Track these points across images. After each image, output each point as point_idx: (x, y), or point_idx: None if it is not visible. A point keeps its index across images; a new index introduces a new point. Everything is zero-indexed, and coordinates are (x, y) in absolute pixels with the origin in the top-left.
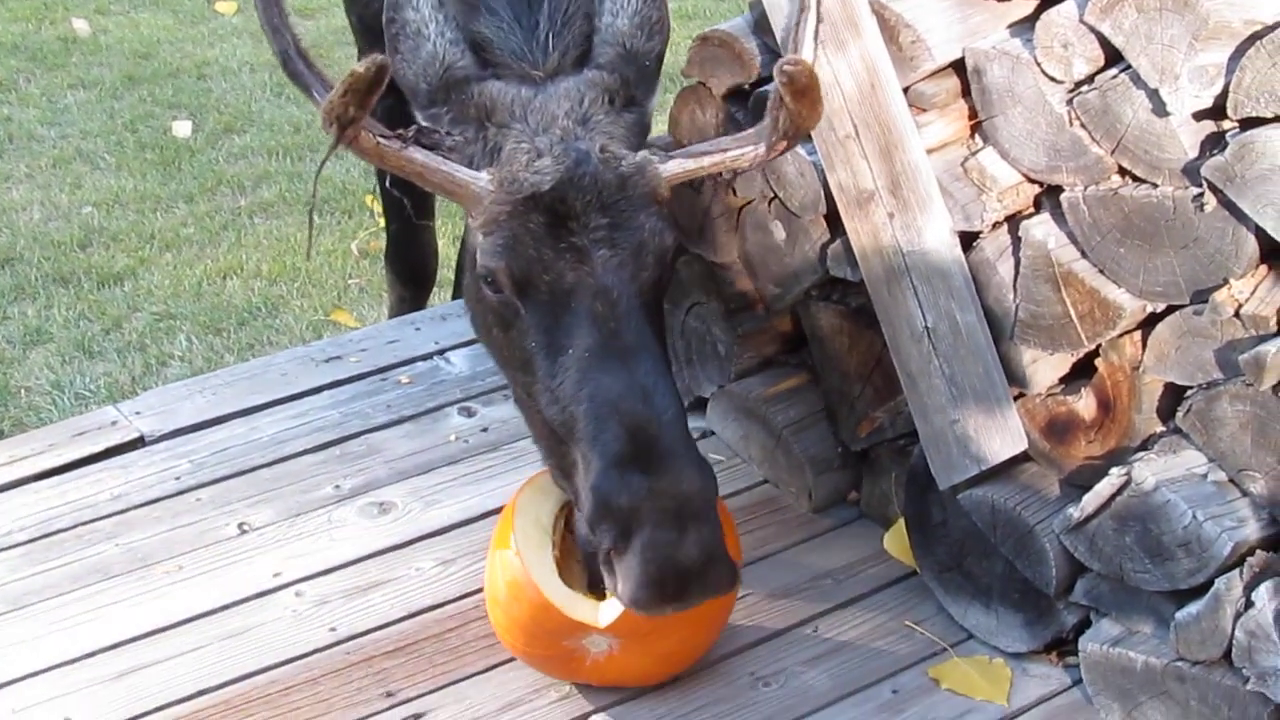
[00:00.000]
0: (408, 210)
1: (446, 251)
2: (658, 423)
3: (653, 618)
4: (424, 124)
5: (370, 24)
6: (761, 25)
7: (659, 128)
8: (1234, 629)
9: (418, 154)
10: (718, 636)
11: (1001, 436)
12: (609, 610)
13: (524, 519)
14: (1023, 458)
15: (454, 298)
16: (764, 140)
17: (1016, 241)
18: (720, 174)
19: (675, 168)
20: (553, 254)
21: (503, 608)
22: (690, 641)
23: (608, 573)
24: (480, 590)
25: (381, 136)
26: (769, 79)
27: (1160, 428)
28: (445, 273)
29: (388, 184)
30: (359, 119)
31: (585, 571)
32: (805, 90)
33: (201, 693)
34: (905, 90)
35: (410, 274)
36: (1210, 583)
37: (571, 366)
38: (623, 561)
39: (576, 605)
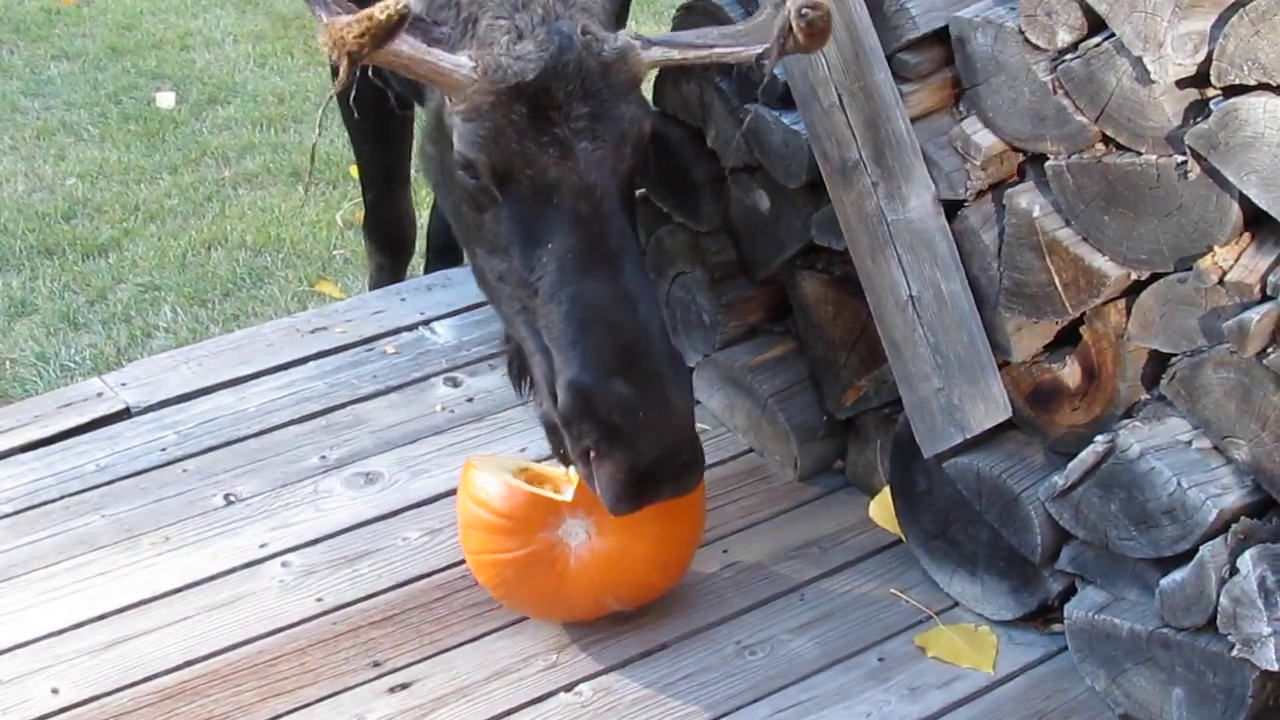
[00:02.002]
0: (390, 105)
1: (425, 221)
2: (645, 332)
3: None
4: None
5: None
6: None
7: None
8: (1219, 595)
9: (404, 45)
10: (699, 522)
11: (986, 405)
12: (571, 489)
13: (482, 464)
14: (1008, 425)
15: (427, 271)
16: (756, 45)
17: (1001, 210)
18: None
19: (658, 54)
20: (535, 147)
21: (475, 525)
22: (669, 518)
23: (581, 465)
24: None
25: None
26: None
27: (1145, 395)
28: (423, 242)
29: (370, 74)
30: (369, 58)
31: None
32: (821, 32)
33: (189, 663)
34: (889, 59)
35: (388, 241)
36: (1195, 550)
37: (552, 264)
38: (606, 468)
39: (542, 490)
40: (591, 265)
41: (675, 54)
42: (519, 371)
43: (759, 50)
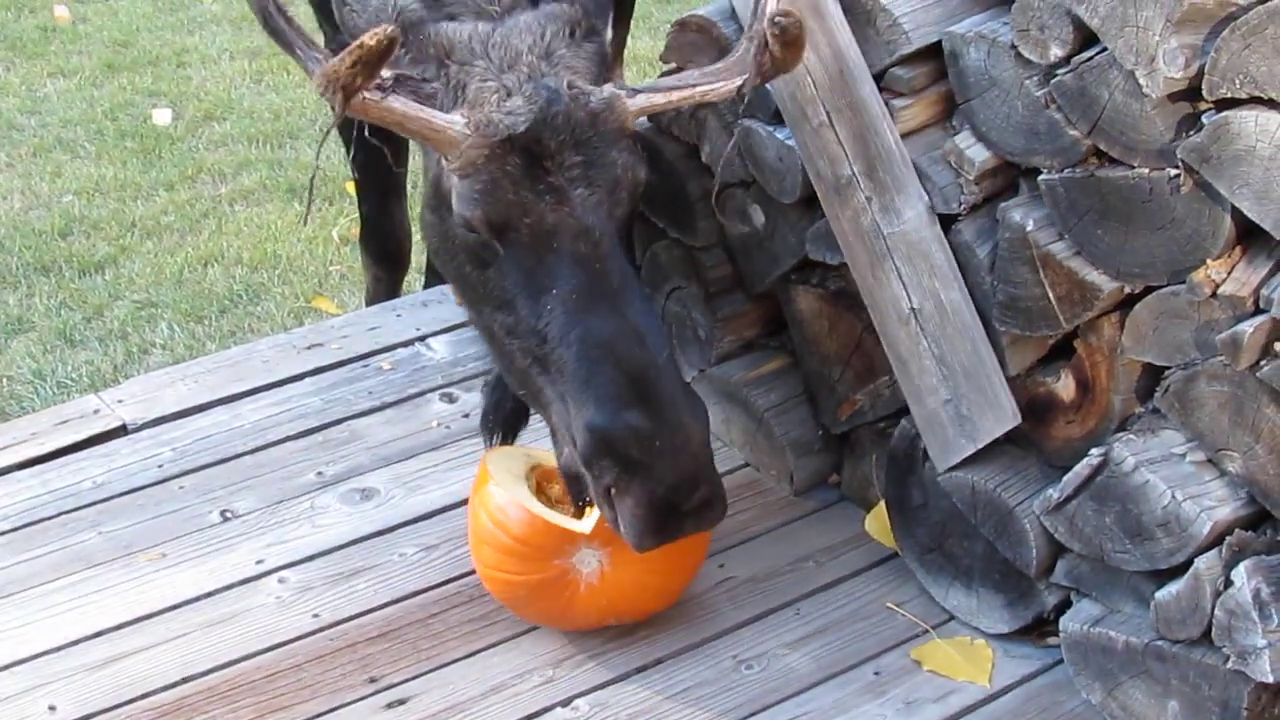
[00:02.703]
0: (388, 161)
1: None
2: (654, 365)
3: None
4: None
5: (326, 9)
6: (736, 17)
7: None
8: (1213, 608)
9: (396, 103)
10: (706, 552)
11: (994, 413)
12: (591, 519)
13: (497, 468)
14: (1003, 439)
15: (426, 286)
16: (736, 77)
17: (994, 224)
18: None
19: (643, 101)
20: (532, 196)
21: (490, 542)
22: (679, 551)
23: (605, 505)
24: (463, 575)
25: (365, 91)
26: None
27: (1139, 408)
28: (420, 256)
29: (366, 133)
30: (364, 88)
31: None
32: (795, 40)
33: (186, 680)
34: (882, 74)
35: (384, 255)
36: (1190, 562)
37: (557, 308)
38: (625, 503)
39: (561, 518)
40: (596, 305)
41: (659, 99)
42: (492, 423)
43: (739, 82)
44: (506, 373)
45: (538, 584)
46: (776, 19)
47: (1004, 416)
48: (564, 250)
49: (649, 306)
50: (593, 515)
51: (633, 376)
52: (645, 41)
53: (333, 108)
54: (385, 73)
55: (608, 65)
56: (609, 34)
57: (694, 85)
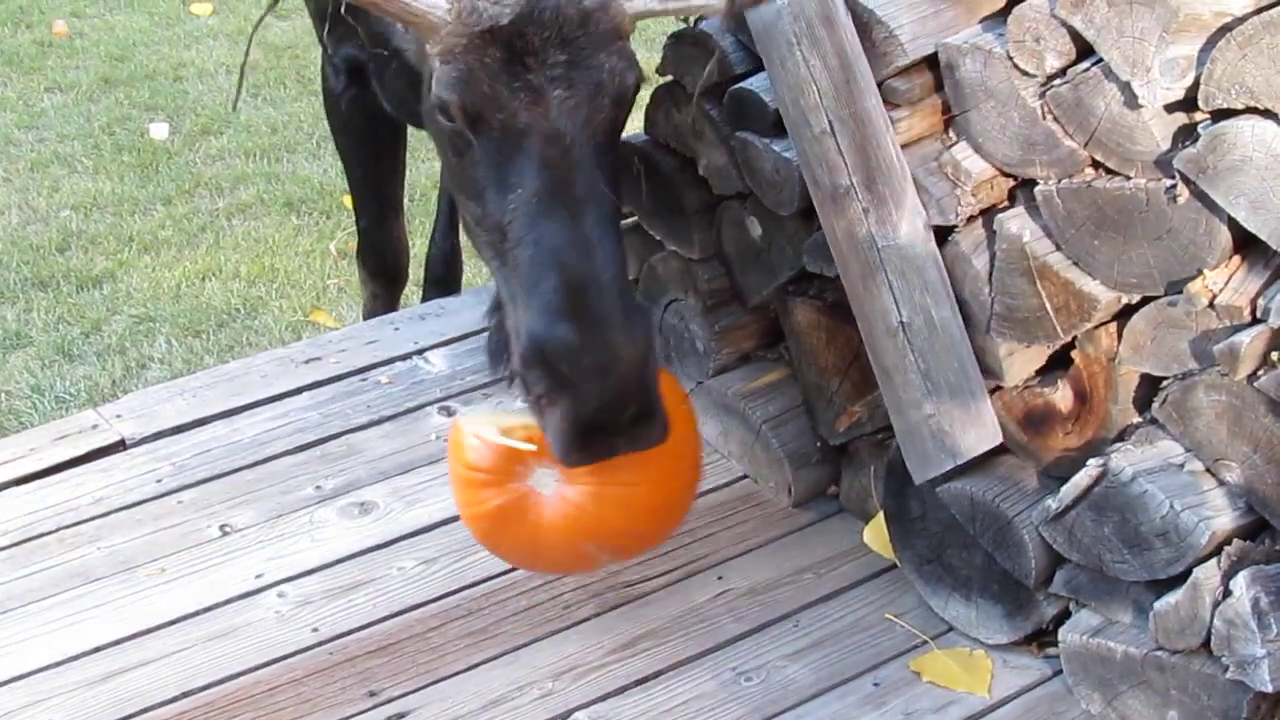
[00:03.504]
0: (385, 173)
1: (419, 251)
2: (597, 280)
3: None
4: None
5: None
6: (737, 23)
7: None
8: (1212, 617)
9: None
10: (691, 480)
11: (977, 430)
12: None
13: (468, 420)
14: (1001, 450)
15: (424, 299)
16: None
17: (991, 235)
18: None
19: (639, 5)
20: (507, 92)
21: (455, 479)
22: (644, 464)
23: (537, 415)
24: (462, 589)
25: None
26: (744, 75)
27: (1137, 418)
28: (419, 271)
29: (343, 10)
30: None
31: None
32: None
33: (185, 694)
34: (878, 86)
35: (382, 270)
36: (1188, 572)
37: (520, 208)
38: (552, 416)
39: (511, 441)
40: (555, 211)
41: (657, 5)
42: (495, 348)
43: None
44: (483, 260)
45: (499, 512)
46: None
47: (986, 435)
48: (533, 151)
49: (612, 221)
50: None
51: (573, 289)
52: (641, 53)
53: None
54: None
55: None
56: None
57: None
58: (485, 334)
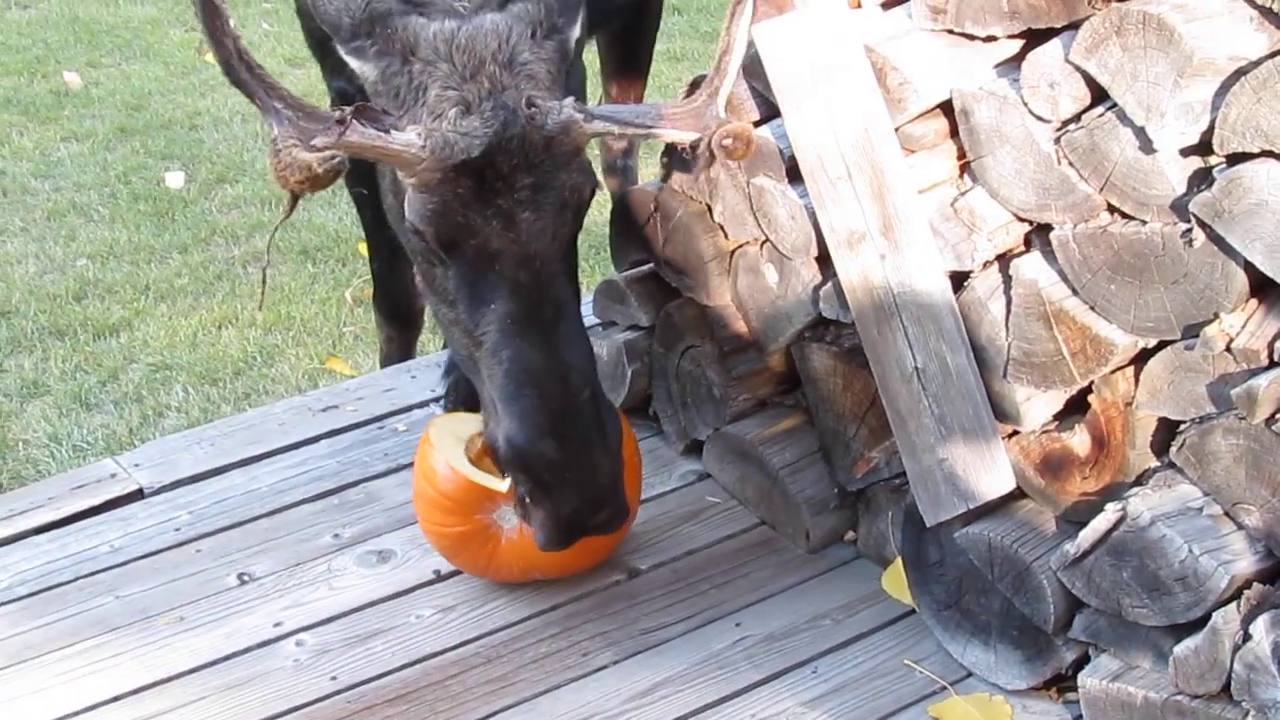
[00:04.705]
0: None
1: None
2: (573, 403)
3: None
4: (346, 57)
5: (318, 35)
6: (751, 69)
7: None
8: (1232, 662)
9: (354, 135)
10: (633, 502)
11: (990, 475)
12: (509, 480)
13: (439, 431)
14: (1019, 494)
15: (444, 346)
16: (690, 132)
17: (1007, 280)
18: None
19: (599, 126)
20: (480, 220)
21: (422, 496)
22: None
23: (518, 505)
24: (481, 636)
25: (323, 138)
26: (761, 121)
27: (1155, 462)
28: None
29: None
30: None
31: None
32: (741, 156)
33: None
34: (894, 131)
35: (395, 314)
36: (1208, 616)
37: (493, 325)
38: (535, 513)
39: (483, 476)
40: (529, 332)
41: (615, 128)
42: (452, 402)
43: (692, 138)
44: (449, 344)
45: (461, 536)
46: (723, 142)
47: (1000, 480)
48: (505, 274)
49: (581, 334)
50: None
51: (551, 409)
52: (655, 99)
53: (286, 211)
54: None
55: (568, 60)
56: (575, 30)
57: (650, 126)
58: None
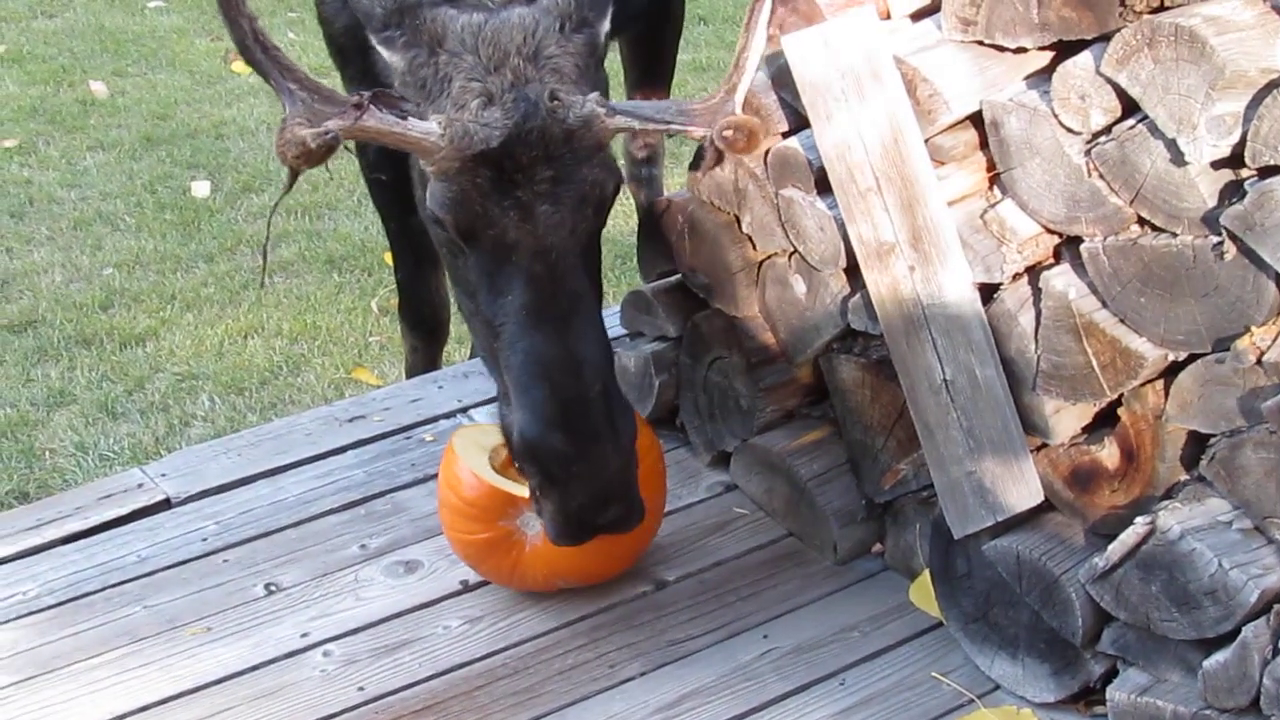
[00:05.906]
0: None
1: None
2: (585, 397)
3: None
4: (377, 46)
5: (339, 42)
6: (780, 80)
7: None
8: (1262, 676)
9: (371, 120)
10: (657, 513)
11: (1018, 488)
12: None
13: (463, 440)
14: (1047, 507)
15: (472, 355)
16: (704, 127)
17: (1037, 292)
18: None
19: (620, 122)
20: (498, 210)
21: (447, 504)
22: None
23: (533, 498)
24: (508, 648)
25: (339, 119)
26: (790, 132)
27: (1184, 476)
28: (460, 327)
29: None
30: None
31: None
32: (745, 149)
33: None
34: (924, 143)
35: (420, 323)
36: (1237, 630)
37: (510, 317)
38: (545, 506)
39: (505, 482)
40: (544, 324)
41: (636, 123)
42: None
43: (701, 133)
44: (476, 344)
45: (485, 543)
46: (724, 134)
47: (1028, 493)
48: (522, 265)
49: (596, 330)
50: None
51: (563, 402)
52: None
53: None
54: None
55: (598, 53)
56: (605, 23)
57: (668, 121)
58: None
